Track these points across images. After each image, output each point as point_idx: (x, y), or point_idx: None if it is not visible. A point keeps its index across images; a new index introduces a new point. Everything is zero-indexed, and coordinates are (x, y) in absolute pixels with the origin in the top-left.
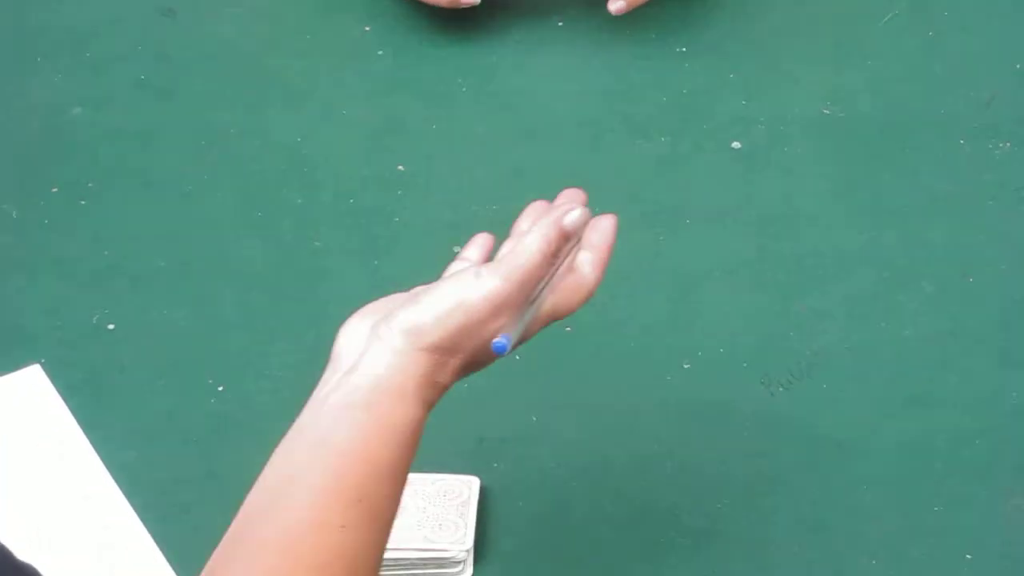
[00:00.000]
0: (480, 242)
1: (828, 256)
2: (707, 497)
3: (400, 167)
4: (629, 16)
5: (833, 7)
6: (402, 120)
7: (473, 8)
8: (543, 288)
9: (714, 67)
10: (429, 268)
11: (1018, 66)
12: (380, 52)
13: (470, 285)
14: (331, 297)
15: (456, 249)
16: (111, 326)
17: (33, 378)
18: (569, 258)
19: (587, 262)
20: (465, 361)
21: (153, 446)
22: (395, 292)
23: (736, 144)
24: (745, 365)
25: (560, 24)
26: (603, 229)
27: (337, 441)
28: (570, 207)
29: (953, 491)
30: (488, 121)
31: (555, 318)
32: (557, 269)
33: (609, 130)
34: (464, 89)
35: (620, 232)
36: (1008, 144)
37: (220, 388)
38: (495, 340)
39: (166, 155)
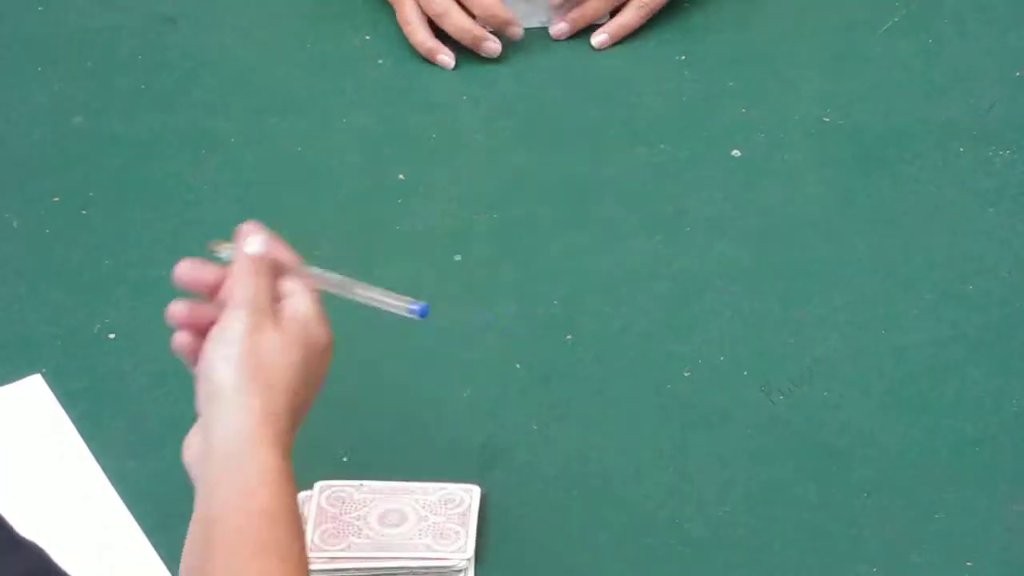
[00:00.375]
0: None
1: (828, 263)
2: (708, 505)
3: (401, 176)
4: None
5: (832, 15)
6: (402, 128)
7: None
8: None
9: (713, 75)
10: (430, 276)
11: (1017, 73)
12: (380, 61)
13: (226, 331)
14: (332, 307)
15: (457, 258)
16: (112, 335)
17: (34, 388)
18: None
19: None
20: (280, 376)
21: (154, 455)
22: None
23: (736, 152)
24: (745, 373)
25: None
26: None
27: (218, 523)
28: (248, 237)
29: (954, 498)
30: (488, 129)
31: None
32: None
33: (609, 138)
34: (464, 97)
35: (620, 240)
36: (1008, 152)
37: None
38: (411, 306)
39: (167, 164)
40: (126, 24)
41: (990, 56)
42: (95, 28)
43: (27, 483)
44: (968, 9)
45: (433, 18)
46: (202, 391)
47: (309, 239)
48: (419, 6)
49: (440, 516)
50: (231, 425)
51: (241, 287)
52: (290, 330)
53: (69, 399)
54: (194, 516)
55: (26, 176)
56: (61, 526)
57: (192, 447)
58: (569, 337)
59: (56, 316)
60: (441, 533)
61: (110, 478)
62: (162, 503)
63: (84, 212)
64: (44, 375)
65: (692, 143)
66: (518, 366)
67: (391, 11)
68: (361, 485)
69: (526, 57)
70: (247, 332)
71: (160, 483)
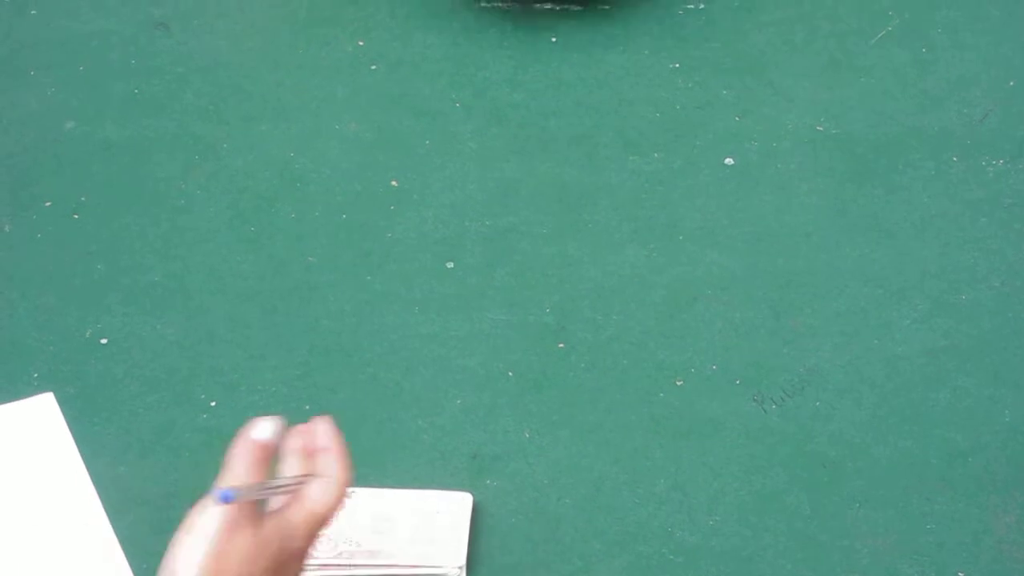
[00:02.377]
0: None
1: (820, 273)
2: (699, 514)
3: (393, 182)
4: (623, 32)
5: (826, 25)
6: (395, 135)
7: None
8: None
9: (707, 83)
10: (421, 283)
11: (1011, 83)
12: (373, 67)
13: (197, 518)
14: (323, 312)
15: (449, 265)
16: (104, 340)
17: (44, 407)
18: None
19: (328, 462)
20: None
21: (145, 460)
22: (380, 314)
23: (729, 160)
24: (738, 382)
25: (554, 40)
26: (323, 431)
27: None
28: (260, 423)
29: (945, 509)
30: (481, 136)
31: (316, 521)
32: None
33: (602, 146)
34: (457, 104)
35: (613, 248)
36: (1001, 161)
37: (212, 403)
38: (219, 490)
39: (159, 169)
40: (119, 29)
41: (983, 66)
42: (88, 33)
43: (21, 501)
44: (961, 19)
45: None
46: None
47: (301, 245)
48: None
49: (432, 523)
50: None
51: (231, 474)
52: (267, 537)
53: (61, 404)
54: None
55: (18, 181)
56: (41, 532)
57: None
58: (561, 345)
59: (48, 321)
60: (433, 540)
61: (101, 482)
62: (153, 508)
63: (76, 217)
64: (35, 380)
65: (685, 152)
66: (510, 374)
67: (384, 17)
68: (353, 492)
69: (519, 64)
70: (221, 532)
71: (151, 488)
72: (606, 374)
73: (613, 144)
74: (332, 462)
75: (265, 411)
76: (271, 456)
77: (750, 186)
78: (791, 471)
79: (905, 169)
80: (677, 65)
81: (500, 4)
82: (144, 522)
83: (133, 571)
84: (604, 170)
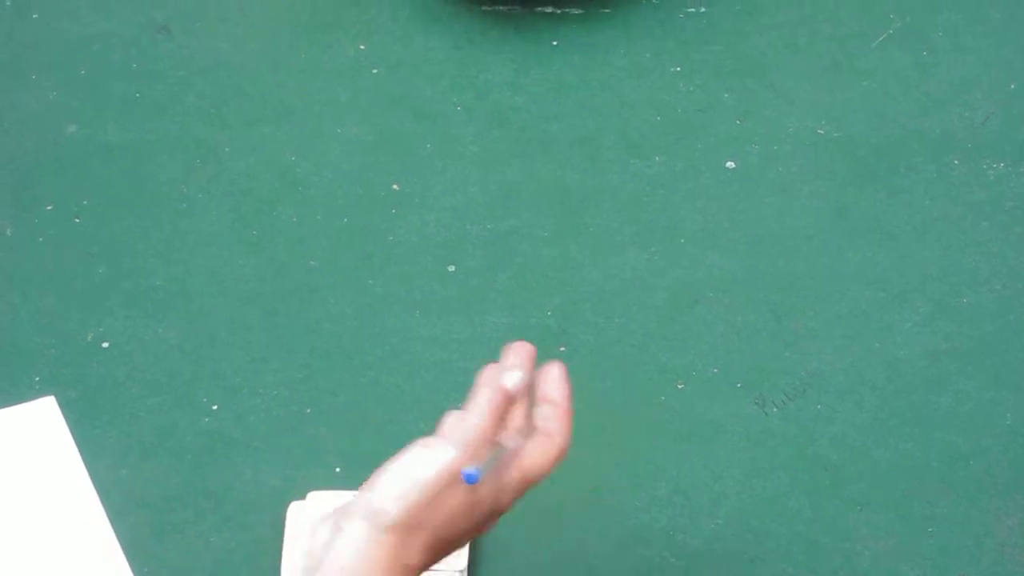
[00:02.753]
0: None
1: (822, 276)
2: (701, 517)
3: (395, 185)
4: (624, 35)
5: (827, 27)
6: (396, 138)
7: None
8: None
9: (709, 86)
10: (422, 287)
11: (1012, 86)
12: (375, 70)
13: (421, 458)
14: (325, 316)
15: (451, 269)
16: (105, 344)
17: (46, 410)
18: (526, 418)
19: (550, 417)
20: (432, 538)
21: (147, 464)
22: (381, 317)
23: (730, 163)
24: (739, 385)
25: (555, 43)
26: (554, 379)
27: None
28: (510, 368)
29: (946, 512)
30: (482, 139)
31: (528, 483)
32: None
33: (603, 149)
34: (458, 107)
35: (614, 251)
36: (1002, 164)
37: (214, 407)
38: (464, 469)
39: (160, 172)
40: (120, 32)
41: (985, 68)
42: (89, 36)
43: (23, 507)
44: (963, 22)
45: None
46: (368, 489)
47: (302, 248)
48: None
49: None
50: (368, 557)
51: (470, 423)
52: (481, 498)
53: (62, 407)
54: None
55: (19, 184)
56: (42, 534)
57: (325, 528)
58: (562, 348)
59: (50, 324)
60: None
61: (102, 486)
62: (155, 512)
63: (78, 220)
64: (38, 382)
65: (686, 154)
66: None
67: (385, 20)
68: (354, 496)
69: (521, 67)
70: (439, 485)
71: (152, 491)
72: (607, 377)
73: (615, 147)
74: (554, 418)
75: (267, 414)
76: (512, 405)
77: (751, 189)
78: (792, 474)
79: (906, 172)
80: (678, 68)
81: (501, 8)
82: (145, 524)
83: (134, 573)
84: (606, 173)
